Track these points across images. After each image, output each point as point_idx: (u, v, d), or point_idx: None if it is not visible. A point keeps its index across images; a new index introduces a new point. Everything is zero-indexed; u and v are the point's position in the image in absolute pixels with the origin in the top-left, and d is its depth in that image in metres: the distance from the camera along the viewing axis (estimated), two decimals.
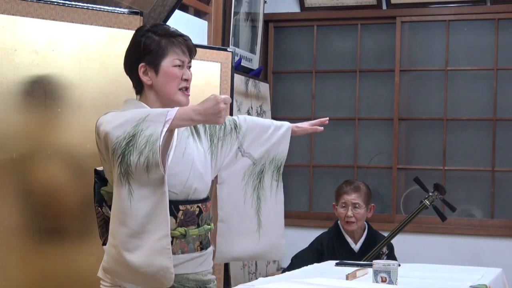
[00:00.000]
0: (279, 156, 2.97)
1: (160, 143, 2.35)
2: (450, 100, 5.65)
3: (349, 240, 4.07)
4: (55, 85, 2.92)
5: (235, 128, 2.89)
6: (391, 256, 4.00)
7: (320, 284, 2.30)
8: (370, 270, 2.52)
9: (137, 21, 3.04)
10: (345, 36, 5.94)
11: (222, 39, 5.09)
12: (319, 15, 5.90)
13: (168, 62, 2.60)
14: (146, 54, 2.58)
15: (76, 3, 2.95)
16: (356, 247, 4.06)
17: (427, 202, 4.04)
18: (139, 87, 2.64)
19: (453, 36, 5.67)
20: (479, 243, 5.44)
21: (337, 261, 3.08)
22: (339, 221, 4.13)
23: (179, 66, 2.61)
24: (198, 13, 5.00)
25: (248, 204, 2.89)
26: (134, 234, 2.42)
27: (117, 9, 3.06)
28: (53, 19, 2.90)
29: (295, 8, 5.95)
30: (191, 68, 2.68)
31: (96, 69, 2.98)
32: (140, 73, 2.59)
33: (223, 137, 2.85)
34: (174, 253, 2.54)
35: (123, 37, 3.01)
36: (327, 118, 3.02)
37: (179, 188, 2.60)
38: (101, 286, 2.58)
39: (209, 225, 2.71)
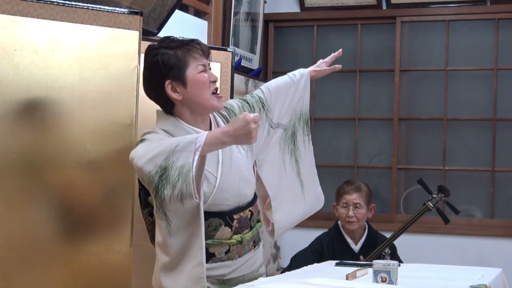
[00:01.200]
0: (305, 109, 2.98)
1: (193, 173, 2.35)
2: (450, 100, 5.65)
3: (349, 240, 4.07)
4: (55, 85, 2.92)
5: (263, 107, 2.87)
6: (394, 256, 4.00)
7: (320, 284, 2.30)
8: (370, 270, 2.52)
9: (137, 21, 3.04)
10: (345, 36, 5.95)
11: (222, 39, 5.10)
12: (319, 15, 5.90)
13: (192, 70, 2.59)
14: (168, 70, 2.57)
15: (76, 3, 2.95)
16: (356, 247, 4.06)
17: (430, 204, 4.02)
18: (169, 106, 2.62)
19: (453, 36, 5.67)
20: (479, 243, 5.45)
21: (337, 261, 3.08)
22: (339, 222, 4.13)
23: (203, 70, 2.61)
24: (198, 13, 5.00)
25: (289, 171, 2.92)
26: (172, 262, 2.47)
27: (117, 9, 3.06)
28: (53, 19, 2.90)
29: (295, 8, 5.96)
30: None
31: (96, 69, 2.98)
32: (169, 91, 2.58)
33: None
34: (231, 258, 2.62)
35: (123, 37, 3.01)
36: (340, 50, 3.00)
37: (232, 199, 2.63)
38: None
39: (259, 221, 2.76)
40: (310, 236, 4.35)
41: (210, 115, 2.72)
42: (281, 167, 2.90)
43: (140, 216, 3.57)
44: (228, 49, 4.01)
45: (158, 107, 3.71)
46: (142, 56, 3.13)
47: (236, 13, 5.25)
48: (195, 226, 2.43)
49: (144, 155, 2.43)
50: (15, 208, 2.83)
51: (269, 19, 5.95)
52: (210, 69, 2.66)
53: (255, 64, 5.59)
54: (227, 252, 2.62)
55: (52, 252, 2.90)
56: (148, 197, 2.69)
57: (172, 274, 2.48)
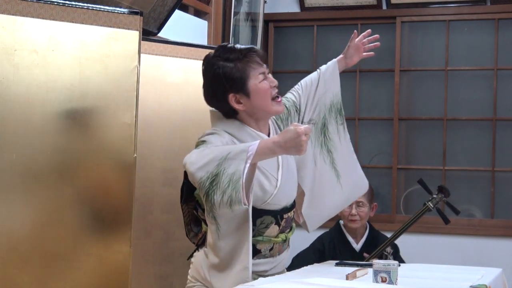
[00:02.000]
0: (335, 99, 3.02)
1: (243, 181, 2.40)
2: (450, 100, 5.65)
3: (351, 239, 4.07)
4: (55, 85, 2.92)
5: (296, 111, 2.95)
6: (396, 257, 4.00)
7: (320, 284, 2.30)
8: (370, 270, 2.52)
9: (137, 21, 3.04)
10: (345, 36, 5.90)
11: (222, 39, 5.09)
12: (319, 15, 5.90)
13: (254, 81, 2.64)
14: (231, 84, 2.62)
15: (76, 3, 2.95)
16: (357, 246, 4.06)
17: (430, 204, 4.02)
18: (231, 113, 2.69)
19: (453, 36, 5.66)
20: (479, 243, 5.44)
21: (337, 261, 3.08)
22: (340, 221, 4.13)
23: (264, 78, 2.66)
24: (198, 13, 5.00)
25: (321, 163, 2.94)
26: (220, 264, 2.55)
27: (117, 9, 3.06)
28: (53, 19, 2.90)
29: (295, 8, 5.95)
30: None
31: (96, 69, 2.98)
32: (233, 103, 2.64)
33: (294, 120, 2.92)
34: (273, 256, 2.74)
35: (123, 37, 3.01)
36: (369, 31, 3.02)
37: (285, 201, 2.73)
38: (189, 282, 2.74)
39: (294, 226, 2.85)
40: (311, 235, 4.33)
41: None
42: (310, 162, 2.93)
43: (140, 216, 3.58)
44: None
45: (158, 108, 3.71)
46: (142, 56, 3.14)
47: (236, 13, 5.25)
48: (243, 231, 2.50)
49: (197, 162, 2.49)
50: (15, 208, 2.83)
51: (269, 19, 5.95)
52: (268, 73, 2.71)
53: None
54: (271, 249, 2.73)
55: (52, 252, 2.90)
56: (195, 191, 2.76)
57: (220, 275, 2.56)
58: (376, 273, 2.41)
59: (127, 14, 3.04)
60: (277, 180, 2.68)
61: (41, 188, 2.89)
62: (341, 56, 3.07)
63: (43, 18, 2.88)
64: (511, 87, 5.57)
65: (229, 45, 2.70)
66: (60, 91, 2.92)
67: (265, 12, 5.76)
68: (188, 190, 2.82)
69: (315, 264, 3.05)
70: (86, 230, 2.97)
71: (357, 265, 2.90)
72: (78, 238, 2.95)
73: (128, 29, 3.03)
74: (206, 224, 2.73)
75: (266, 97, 2.66)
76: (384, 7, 5.76)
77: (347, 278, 2.51)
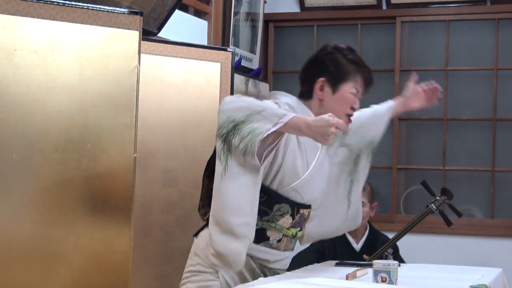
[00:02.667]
0: (376, 139, 3.05)
1: (261, 138, 2.42)
2: (450, 100, 5.64)
3: (351, 239, 4.07)
4: (55, 85, 2.92)
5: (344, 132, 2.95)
6: (396, 257, 3.99)
7: (320, 284, 2.30)
8: (370, 270, 2.52)
9: (137, 21, 3.04)
10: (345, 36, 5.94)
11: (222, 39, 5.09)
12: (319, 15, 5.90)
13: (348, 87, 2.71)
14: (330, 72, 2.70)
15: (76, 3, 2.95)
16: (357, 246, 4.06)
17: (433, 206, 4.01)
18: (308, 94, 2.75)
19: (453, 36, 5.66)
20: (479, 243, 5.44)
21: (337, 261, 3.08)
22: None
23: (354, 94, 2.72)
24: (198, 13, 5.00)
25: (341, 189, 2.98)
26: (219, 210, 2.53)
27: (117, 9, 3.06)
28: (53, 19, 2.90)
29: (295, 8, 5.95)
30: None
31: (96, 69, 2.98)
32: (316, 86, 2.71)
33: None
34: (279, 249, 2.75)
35: (123, 37, 3.01)
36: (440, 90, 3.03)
37: (307, 194, 2.74)
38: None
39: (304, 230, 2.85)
40: None
41: None
42: (332, 184, 2.95)
43: (140, 216, 3.58)
44: (228, 49, 4.01)
45: (158, 108, 3.71)
46: (142, 56, 3.14)
47: (236, 13, 5.25)
48: (249, 186, 2.50)
49: (231, 103, 2.52)
50: (15, 208, 2.83)
51: (269, 19, 5.95)
52: (359, 98, 2.77)
53: (255, 64, 5.58)
54: (279, 240, 2.74)
55: (52, 252, 2.90)
56: None
57: (217, 224, 2.54)
58: (376, 273, 2.41)
59: (127, 14, 3.04)
60: (308, 168, 2.70)
61: (41, 188, 2.89)
62: (399, 99, 3.07)
63: (43, 18, 2.88)
64: (511, 87, 5.57)
65: (353, 49, 2.79)
66: (60, 91, 2.92)
67: (265, 12, 5.76)
68: (214, 166, 2.82)
69: (315, 264, 3.06)
70: (86, 230, 2.97)
71: (357, 265, 2.90)
72: (78, 238, 2.95)
73: (128, 29, 3.03)
74: None
75: (343, 107, 2.71)
76: (384, 7, 5.76)
77: (347, 278, 2.51)
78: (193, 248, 2.80)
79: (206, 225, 2.80)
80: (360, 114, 2.98)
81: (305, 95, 2.76)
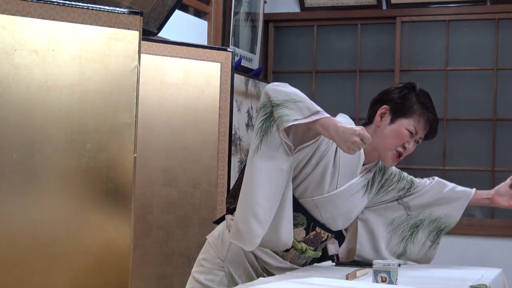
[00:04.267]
0: (445, 220, 2.98)
1: (287, 125, 2.41)
2: (450, 100, 5.65)
3: None
4: (55, 85, 2.92)
5: (408, 189, 2.95)
6: None
7: (320, 284, 2.30)
8: (370, 270, 2.52)
9: (137, 21, 3.04)
10: (345, 36, 5.94)
11: (222, 39, 5.10)
12: (319, 15, 5.90)
13: (406, 123, 2.68)
14: (395, 102, 2.70)
15: (76, 3, 2.95)
16: None
17: None
18: (370, 119, 2.74)
19: (453, 36, 5.67)
20: (479, 243, 5.44)
21: (337, 261, 3.08)
22: None
23: (411, 133, 2.69)
24: (198, 13, 5.00)
25: (390, 249, 2.93)
26: (246, 187, 2.49)
27: (117, 9, 3.06)
28: (53, 19, 2.90)
29: (295, 8, 5.95)
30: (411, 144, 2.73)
31: (96, 69, 2.98)
32: (378, 113, 2.70)
33: (388, 190, 2.90)
34: (284, 258, 2.71)
35: (123, 37, 3.01)
36: None
37: (327, 217, 2.70)
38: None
39: (321, 252, 2.81)
40: None
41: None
42: (382, 238, 2.92)
43: (140, 216, 3.58)
44: (228, 49, 4.01)
45: (158, 108, 3.72)
46: (142, 56, 3.14)
47: (236, 13, 5.25)
48: (276, 167, 2.47)
49: (275, 85, 2.51)
50: (15, 208, 2.83)
51: (269, 19, 5.95)
52: (415, 142, 2.74)
53: (255, 64, 5.59)
54: (286, 250, 2.70)
55: (52, 252, 2.90)
56: None
57: (240, 202, 2.51)
58: (376, 273, 2.40)
59: (127, 14, 3.04)
60: (336, 190, 2.66)
61: (41, 188, 2.89)
62: (486, 192, 3.04)
63: (43, 18, 2.88)
64: (511, 87, 5.57)
65: (428, 95, 2.78)
66: (60, 91, 2.92)
67: (265, 12, 5.76)
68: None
69: (315, 264, 3.05)
70: (86, 230, 2.97)
71: (357, 265, 2.89)
72: (78, 238, 2.95)
73: (128, 29, 3.03)
74: None
75: (394, 141, 2.68)
76: (384, 7, 5.76)
77: (347, 278, 2.51)
78: (208, 236, 2.81)
79: (227, 213, 2.80)
80: (440, 189, 2.99)
81: (368, 120, 2.76)
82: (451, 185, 3.07)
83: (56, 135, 2.91)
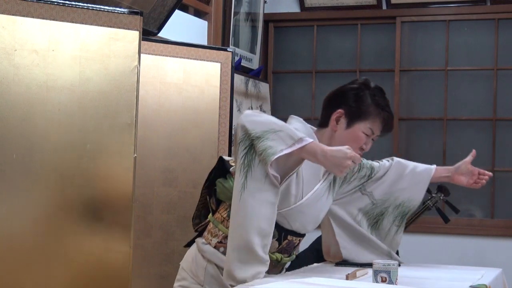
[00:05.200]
0: (409, 204, 2.98)
1: (273, 159, 2.38)
2: (450, 100, 5.65)
3: None
4: (55, 85, 2.92)
5: (369, 176, 2.94)
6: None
7: (320, 284, 2.30)
8: (370, 270, 2.52)
9: (137, 21, 3.04)
10: (345, 36, 5.94)
11: (222, 39, 5.10)
12: (319, 15, 5.90)
13: (362, 127, 2.68)
14: (350, 106, 2.67)
15: (76, 3, 2.95)
16: None
17: (430, 203, 4.01)
18: (324, 123, 2.72)
19: (453, 36, 5.67)
20: (479, 243, 5.44)
21: (337, 261, 3.08)
22: None
23: (367, 134, 2.68)
24: (198, 13, 5.00)
25: (373, 239, 2.95)
26: (238, 231, 2.45)
27: (117, 9, 3.06)
28: (53, 19, 2.90)
29: (295, 8, 5.96)
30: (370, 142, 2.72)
31: (96, 69, 2.98)
32: (333, 117, 2.68)
33: (350, 181, 2.90)
34: None
35: (123, 37, 3.01)
36: (474, 151, 2.99)
37: (296, 224, 2.69)
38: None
39: (295, 255, 2.82)
40: (311, 235, 4.33)
41: None
42: (354, 228, 2.93)
43: (140, 216, 3.58)
44: (228, 49, 4.01)
45: (158, 108, 3.72)
46: (142, 56, 3.14)
47: (236, 13, 5.25)
48: (267, 200, 2.44)
49: (252, 116, 2.47)
50: (15, 208, 2.83)
51: (269, 19, 5.95)
52: (372, 140, 2.73)
53: (255, 64, 5.59)
54: None
55: (53, 252, 2.90)
56: (218, 178, 2.75)
57: (233, 239, 2.48)
58: (376, 273, 2.41)
59: (127, 14, 3.04)
60: (301, 199, 2.65)
61: (41, 188, 2.89)
62: (447, 168, 3.02)
63: (43, 18, 2.88)
64: (511, 87, 5.57)
65: (383, 92, 2.78)
66: (60, 91, 2.92)
67: (265, 12, 5.76)
68: (215, 176, 2.79)
69: (315, 264, 3.05)
70: (86, 230, 2.97)
71: (357, 265, 2.90)
72: (78, 238, 2.95)
73: (128, 29, 3.03)
74: (213, 214, 2.73)
75: (352, 144, 2.62)
76: (384, 7, 5.76)
77: (347, 278, 2.51)
78: (182, 262, 2.81)
79: (197, 236, 2.81)
80: (400, 172, 2.94)
81: (322, 122, 2.74)
82: (411, 165, 3.02)
83: (56, 135, 2.91)
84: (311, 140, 2.45)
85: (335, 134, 2.69)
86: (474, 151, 3.02)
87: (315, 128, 2.76)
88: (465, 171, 2.99)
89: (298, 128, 2.64)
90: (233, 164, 2.79)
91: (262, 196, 2.43)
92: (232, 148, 2.69)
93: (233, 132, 3.70)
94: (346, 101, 2.69)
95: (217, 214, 2.75)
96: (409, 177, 2.97)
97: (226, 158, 2.82)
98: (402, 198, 2.96)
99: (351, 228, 2.93)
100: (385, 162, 3.01)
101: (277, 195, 2.46)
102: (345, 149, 2.43)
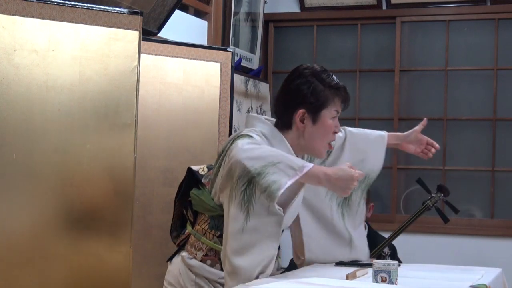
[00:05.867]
0: (372, 174, 2.96)
1: (280, 193, 2.36)
2: (450, 100, 5.65)
3: None
4: (55, 85, 2.92)
5: (329, 153, 2.86)
6: (394, 258, 3.99)
7: (320, 284, 2.30)
8: (370, 270, 2.52)
9: (137, 21, 3.04)
10: (345, 36, 5.94)
11: (222, 39, 5.10)
12: (319, 15, 5.90)
13: (328, 114, 2.61)
14: (311, 102, 2.59)
15: (76, 3, 2.95)
16: None
17: (429, 203, 4.00)
18: (286, 125, 2.63)
19: (453, 36, 5.67)
20: (479, 243, 5.44)
21: (337, 261, 3.08)
22: None
23: (334, 117, 2.63)
24: (198, 13, 5.00)
25: (336, 218, 2.88)
26: (242, 263, 2.43)
27: (117, 9, 3.06)
28: (53, 19, 2.90)
29: (295, 8, 5.95)
30: None
31: (96, 69, 2.98)
32: (297, 119, 2.60)
33: (313, 161, 2.81)
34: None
35: (123, 37, 3.01)
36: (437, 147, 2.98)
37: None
38: None
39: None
40: None
41: None
42: (325, 210, 2.87)
43: (140, 216, 3.57)
44: (228, 49, 4.01)
45: (158, 108, 3.71)
46: (142, 56, 3.13)
47: (236, 13, 5.25)
48: (271, 232, 2.44)
49: (247, 151, 2.42)
50: (15, 207, 2.83)
51: (269, 19, 5.95)
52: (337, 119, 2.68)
53: (255, 64, 5.58)
54: None
55: (53, 252, 2.90)
56: (191, 190, 2.72)
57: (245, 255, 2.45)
58: (376, 273, 2.40)
59: (127, 14, 3.04)
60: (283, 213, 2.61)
61: (41, 188, 2.89)
62: (396, 134, 3.02)
63: (43, 18, 2.88)
64: (511, 87, 5.57)
65: (327, 71, 2.69)
66: (60, 91, 2.92)
67: (265, 12, 5.76)
68: (187, 187, 2.79)
69: (315, 264, 3.05)
70: (86, 230, 2.97)
71: (357, 265, 2.90)
72: (78, 238, 2.95)
73: (128, 29, 3.03)
74: (192, 226, 2.70)
75: (326, 135, 2.62)
76: (384, 7, 5.76)
77: (347, 278, 2.51)
78: (167, 276, 2.79)
79: (179, 250, 2.78)
80: (355, 145, 2.89)
81: (283, 125, 2.64)
82: (362, 134, 2.97)
83: (56, 135, 2.91)
84: (311, 165, 2.43)
85: (304, 132, 2.62)
86: (425, 119, 3.04)
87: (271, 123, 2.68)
88: (414, 139, 3.00)
89: (266, 133, 2.58)
90: (203, 173, 2.78)
91: (266, 230, 2.42)
92: (212, 170, 2.65)
93: (233, 132, 3.69)
94: (304, 100, 2.61)
95: (197, 227, 2.72)
96: (365, 147, 2.94)
97: (195, 168, 2.78)
98: (365, 170, 2.92)
99: (318, 213, 2.87)
100: (340, 134, 2.96)
101: (281, 223, 2.45)
102: (349, 170, 2.41)
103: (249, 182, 2.39)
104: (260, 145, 2.49)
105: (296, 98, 2.62)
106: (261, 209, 2.42)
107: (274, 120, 2.72)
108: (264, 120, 2.67)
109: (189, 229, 2.75)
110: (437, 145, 2.97)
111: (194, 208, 2.73)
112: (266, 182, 2.37)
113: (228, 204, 2.48)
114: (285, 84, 2.70)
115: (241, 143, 2.46)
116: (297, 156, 2.63)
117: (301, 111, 2.60)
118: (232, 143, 2.50)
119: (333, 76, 2.68)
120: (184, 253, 2.72)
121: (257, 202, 2.41)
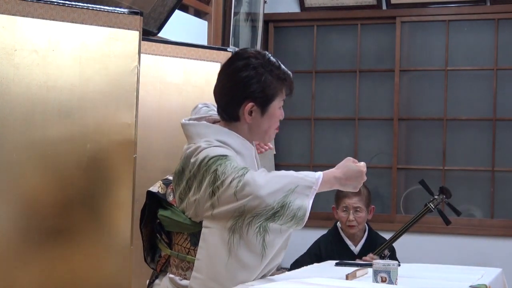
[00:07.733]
0: None
1: (308, 215, 2.39)
2: (450, 100, 5.65)
3: (349, 242, 4.05)
4: (55, 85, 2.92)
5: None
6: (393, 259, 3.99)
7: (320, 284, 2.30)
8: (370, 270, 2.52)
9: (137, 21, 3.04)
10: (345, 36, 5.95)
11: (222, 39, 5.10)
12: (319, 15, 5.90)
13: (276, 104, 2.57)
14: (259, 95, 2.52)
15: (76, 3, 2.95)
16: (356, 249, 4.04)
17: (431, 205, 4.00)
18: (234, 118, 2.55)
19: (453, 36, 5.67)
20: (479, 243, 5.45)
21: (337, 261, 3.08)
22: (338, 223, 4.10)
23: (281, 106, 2.60)
24: (198, 13, 5.00)
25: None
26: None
27: (117, 9, 3.06)
28: (53, 19, 2.90)
29: (295, 8, 5.96)
30: None
31: (96, 69, 2.98)
32: (245, 111, 2.51)
33: None
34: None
35: (123, 37, 3.01)
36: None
37: None
38: None
39: None
40: (308, 235, 4.33)
41: None
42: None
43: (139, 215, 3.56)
44: (228, 49, 4.01)
45: (158, 108, 3.71)
46: (142, 56, 3.13)
47: (236, 13, 5.25)
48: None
49: (265, 186, 2.38)
50: (15, 208, 2.83)
51: (269, 19, 5.95)
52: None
53: None
54: None
55: (52, 252, 2.90)
56: (158, 210, 2.63)
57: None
58: (376, 273, 2.41)
59: (127, 14, 3.04)
60: None
61: (41, 188, 2.89)
62: None
63: (43, 18, 2.88)
64: (511, 87, 5.57)
65: (275, 60, 2.66)
66: (60, 91, 2.92)
67: (265, 12, 5.76)
68: (150, 211, 2.68)
69: (315, 264, 3.05)
70: (86, 230, 2.97)
71: (357, 265, 2.90)
72: (78, 238, 2.95)
73: (128, 29, 3.03)
74: (170, 248, 2.60)
75: (274, 124, 2.59)
76: (384, 7, 5.76)
77: (347, 278, 2.51)
78: None
79: (158, 275, 2.69)
80: None
81: (230, 118, 2.56)
82: None
83: (56, 135, 2.91)
84: (321, 174, 2.45)
85: (252, 124, 2.54)
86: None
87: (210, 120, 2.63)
88: None
89: (225, 140, 2.52)
90: (163, 192, 2.69)
91: (279, 244, 2.43)
92: (175, 190, 2.61)
93: None
94: (252, 93, 2.52)
95: (177, 247, 2.59)
96: None
97: (153, 189, 2.69)
98: None
99: None
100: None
101: (290, 234, 2.47)
102: (355, 166, 2.44)
103: (270, 217, 2.38)
104: (265, 173, 2.45)
105: (245, 91, 2.52)
106: (276, 232, 2.40)
107: (214, 115, 2.66)
108: (208, 124, 2.61)
109: (166, 251, 2.62)
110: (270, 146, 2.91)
111: (167, 229, 2.61)
112: (291, 211, 2.38)
113: (231, 234, 2.41)
114: (231, 73, 2.57)
115: (253, 179, 2.39)
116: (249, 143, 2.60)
117: (249, 104, 2.51)
118: (207, 168, 2.45)
119: (281, 65, 2.64)
120: (171, 275, 2.59)
121: (271, 232, 2.39)
